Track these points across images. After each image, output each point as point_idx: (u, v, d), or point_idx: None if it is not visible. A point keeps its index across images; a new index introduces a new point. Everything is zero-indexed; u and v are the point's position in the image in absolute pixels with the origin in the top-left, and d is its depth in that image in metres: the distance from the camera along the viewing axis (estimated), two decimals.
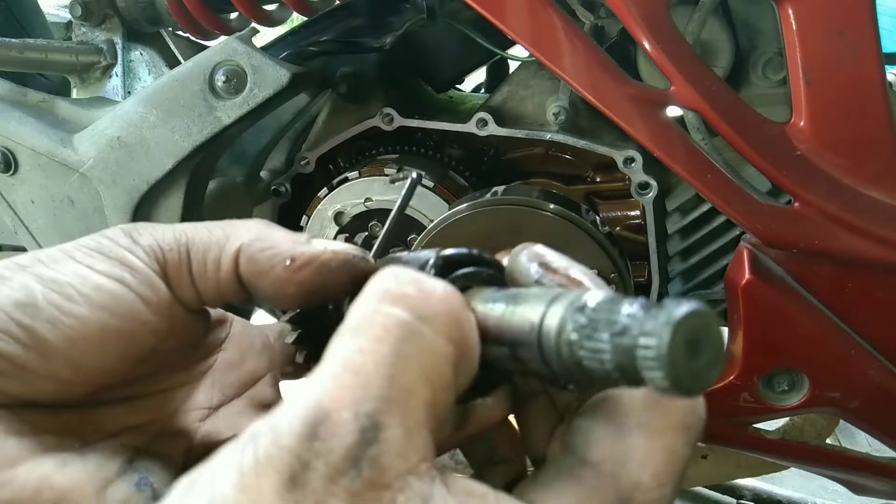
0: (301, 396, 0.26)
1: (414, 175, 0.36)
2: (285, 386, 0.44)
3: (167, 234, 0.38)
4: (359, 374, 0.26)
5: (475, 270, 0.34)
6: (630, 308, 0.25)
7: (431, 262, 0.34)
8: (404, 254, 0.37)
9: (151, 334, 0.36)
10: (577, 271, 0.35)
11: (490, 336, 0.30)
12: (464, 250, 0.34)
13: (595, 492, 0.29)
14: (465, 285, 0.33)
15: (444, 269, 0.34)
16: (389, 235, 0.37)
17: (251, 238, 0.38)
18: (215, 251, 0.37)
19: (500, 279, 0.35)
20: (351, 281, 0.38)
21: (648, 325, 0.24)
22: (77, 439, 0.35)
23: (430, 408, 0.27)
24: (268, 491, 0.24)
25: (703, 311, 0.24)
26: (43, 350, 0.32)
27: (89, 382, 0.35)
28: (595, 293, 0.27)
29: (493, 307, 0.31)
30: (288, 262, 0.37)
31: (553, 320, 0.27)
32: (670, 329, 0.23)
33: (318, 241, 0.38)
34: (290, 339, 0.42)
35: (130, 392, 0.39)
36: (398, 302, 0.28)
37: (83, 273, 0.34)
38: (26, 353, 0.32)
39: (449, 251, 0.34)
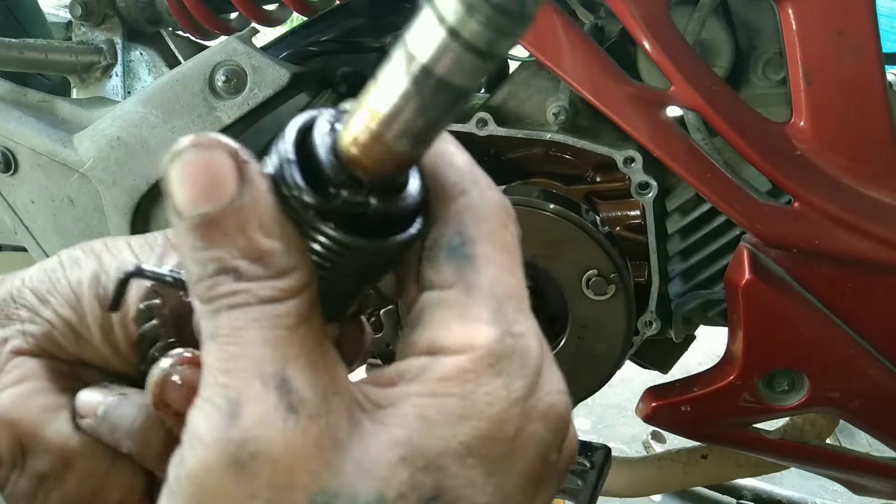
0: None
1: None
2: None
3: None
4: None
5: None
6: None
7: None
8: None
9: None
10: None
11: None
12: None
13: (471, 301, 0.29)
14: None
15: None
16: None
17: None
18: None
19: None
20: None
21: None
22: None
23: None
24: (226, 485, 0.26)
25: None
26: (94, 325, 0.36)
27: (129, 358, 0.38)
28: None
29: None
30: None
31: (448, 6, 0.25)
32: None
33: None
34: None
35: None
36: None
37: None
38: (82, 325, 0.36)
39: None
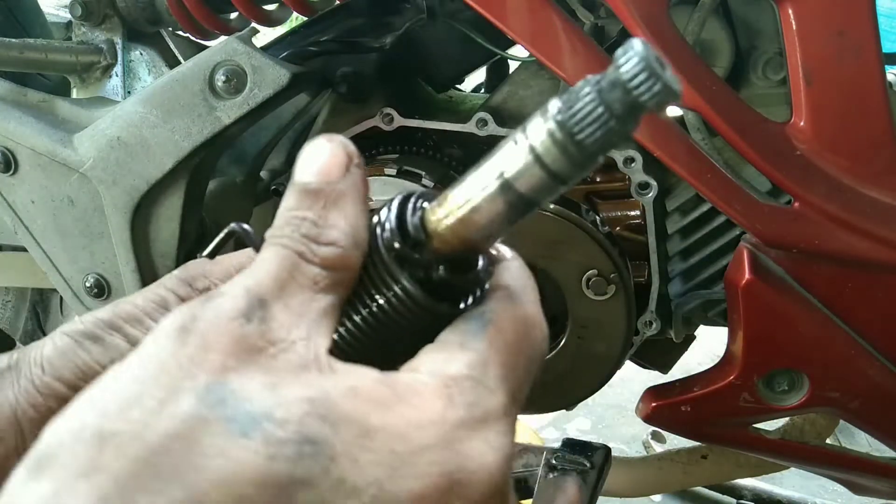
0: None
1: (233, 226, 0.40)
2: None
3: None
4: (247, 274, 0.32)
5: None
6: (587, 80, 0.29)
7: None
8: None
9: None
10: None
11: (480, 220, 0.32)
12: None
13: (462, 353, 0.32)
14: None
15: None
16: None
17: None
18: None
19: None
20: None
21: (624, 66, 0.28)
22: None
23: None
24: (164, 340, 0.29)
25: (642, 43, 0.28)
26: None
27: None
28: (546, 109, 0.30)
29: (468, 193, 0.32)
30: None
31: (538, 137, 0.30)
32: (643, 53, 0.28)
33: None
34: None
35: None
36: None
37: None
38: None
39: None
